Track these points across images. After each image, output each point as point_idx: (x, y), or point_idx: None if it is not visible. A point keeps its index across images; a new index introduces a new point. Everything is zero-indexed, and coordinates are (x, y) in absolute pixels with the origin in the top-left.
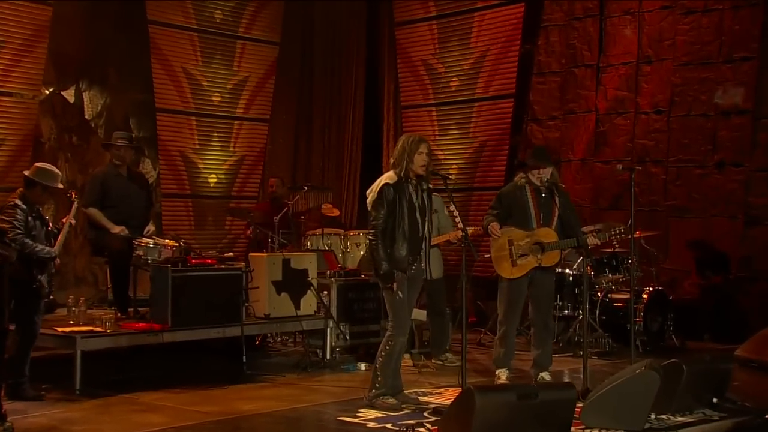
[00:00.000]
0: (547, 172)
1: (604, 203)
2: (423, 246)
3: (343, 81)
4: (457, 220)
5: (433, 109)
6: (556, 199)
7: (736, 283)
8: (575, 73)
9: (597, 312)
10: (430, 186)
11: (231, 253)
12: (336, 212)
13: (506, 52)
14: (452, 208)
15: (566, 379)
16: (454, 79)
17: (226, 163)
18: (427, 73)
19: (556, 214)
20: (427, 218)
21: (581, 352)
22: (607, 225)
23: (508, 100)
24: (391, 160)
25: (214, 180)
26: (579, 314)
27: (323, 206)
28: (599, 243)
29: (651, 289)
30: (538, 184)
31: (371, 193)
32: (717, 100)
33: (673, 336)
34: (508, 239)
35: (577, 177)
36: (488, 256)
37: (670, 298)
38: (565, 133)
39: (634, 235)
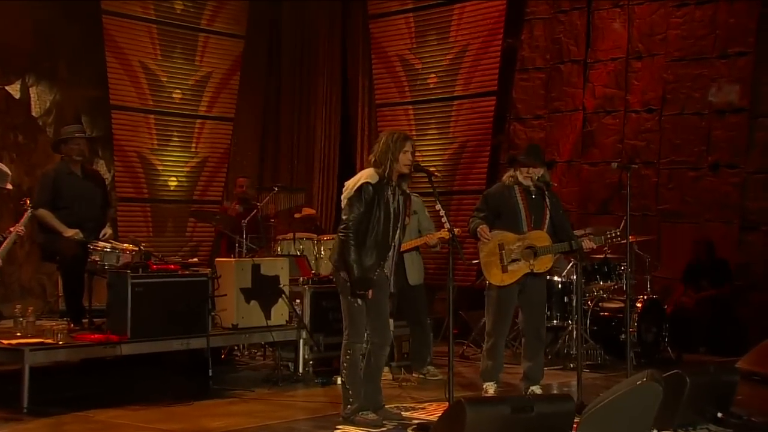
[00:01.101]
0: (537, 172)
1: (592, 207)
2: (390, 254)
3: (313, 76)
4: (444, 220)
5: (410, 107)
6: (547, 200)
7: (734, 292)
8: (561, 70)
9: (588, 322)
10: (407, 190)
11: (195, 259)
12: (312, 211)
13: (487, 46)
14: (438, 207)
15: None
16: (432, 75)
17: (188, 164)
18: (403, 69)
19: (548, 216)
20: (399, 226)
21: (572, 365)
22: (598, 229)
23: (489, 97)
24: (372, 158)
25: (175, 183)
26: (568, 324)
27: (304, 209)
28: (595, 247)
29: (645, 297)
30: (528, 183)
31: (347, 189)
32: (711, 98)
33: (669, 347)
34: (498, 243)
35: (564, 179)
36: (476, 261)
37: (665, 307)
38: (551, 133)
39: (629, 239)
